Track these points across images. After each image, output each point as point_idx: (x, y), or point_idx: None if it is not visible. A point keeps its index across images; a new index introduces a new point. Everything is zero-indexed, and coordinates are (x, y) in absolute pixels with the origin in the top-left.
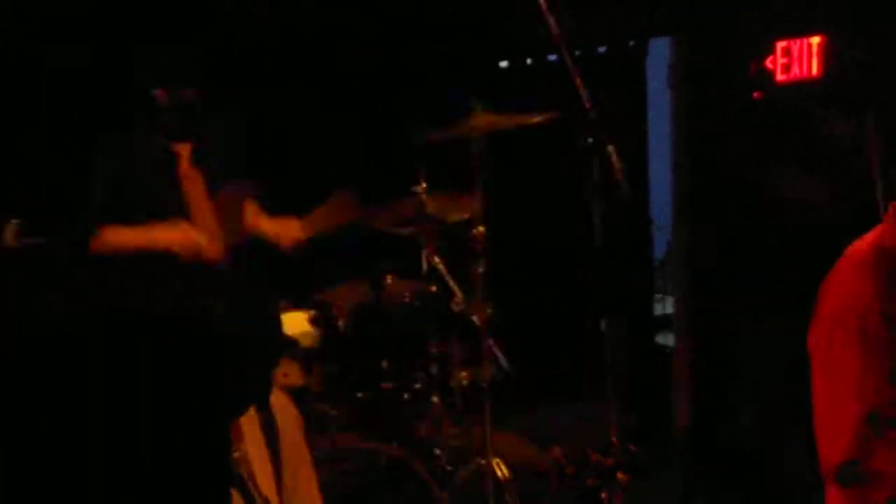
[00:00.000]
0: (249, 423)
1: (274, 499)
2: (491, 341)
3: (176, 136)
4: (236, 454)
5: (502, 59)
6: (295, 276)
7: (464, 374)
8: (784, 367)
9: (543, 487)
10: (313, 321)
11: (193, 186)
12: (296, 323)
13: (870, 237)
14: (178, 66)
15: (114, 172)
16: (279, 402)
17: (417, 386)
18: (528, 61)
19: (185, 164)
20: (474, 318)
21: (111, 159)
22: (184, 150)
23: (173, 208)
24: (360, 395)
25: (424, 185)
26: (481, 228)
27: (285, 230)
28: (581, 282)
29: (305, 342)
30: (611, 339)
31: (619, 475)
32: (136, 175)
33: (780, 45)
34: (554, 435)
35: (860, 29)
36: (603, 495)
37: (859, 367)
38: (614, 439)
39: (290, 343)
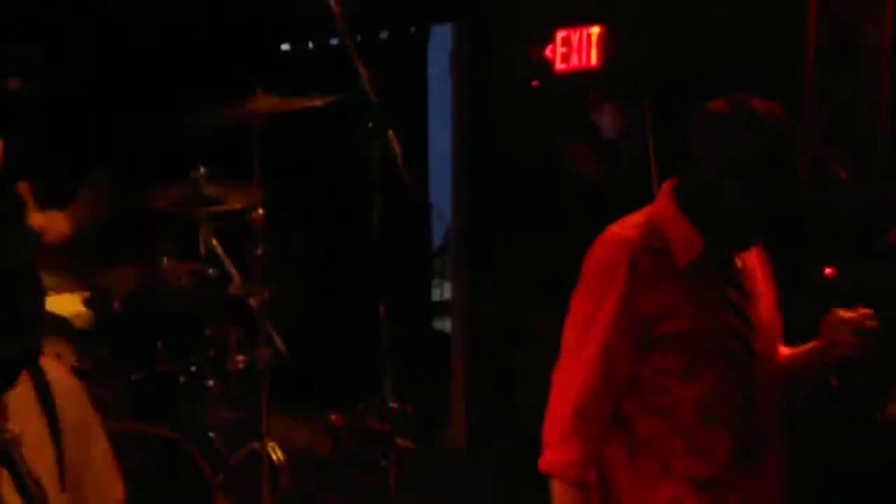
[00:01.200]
0: (22, 399)
1: (53, 479)
2: (268, 325)
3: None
4: (6, 435)
5: (284, 42)
6: (69, 259)
7: (240, 357)
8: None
9: (321, 468)
10: (87, 302)
11: None
12: (70, 304)
13: (640, 214)
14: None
15: None
16: (56, 374)
17: (193, 369)
18: (310, 45)
19: None
20: (252, 301)
21: None
22: None
23: None
24: (133, 377)
25: (203, 168)
26: (260, 212)
27: (51, 224)
28: (360, 267)
29: (79, 323)
30: (388, 325)
31: (399, 440)
32: None
33: (560, 34)
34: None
35: (638, 20)
36: (382, 462)
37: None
38: (392, 404)
39: (64, 324)
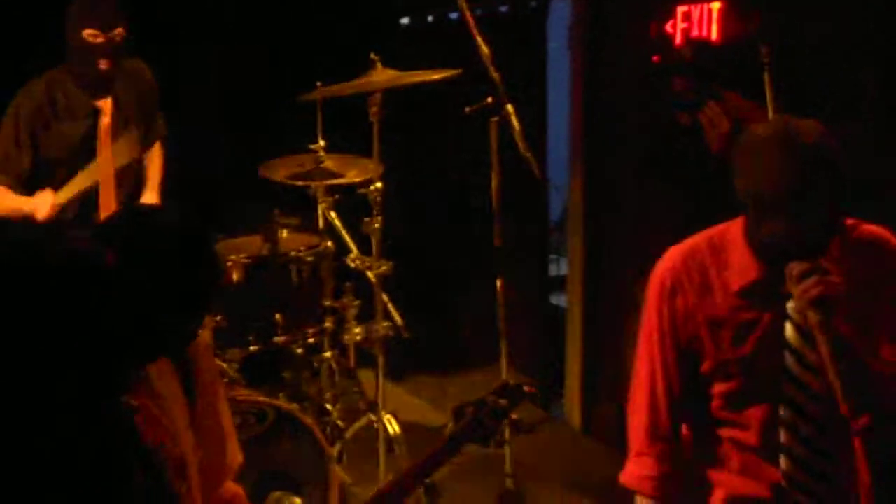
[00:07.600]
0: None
1: (187, 429)
2: (385, 298)
3: (100, 91)
4: (127, 406)
5: (403, 16)
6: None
7: (357, 329)
8: None
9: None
10: None
11: (107, 144)
12: None
13: (710, 231)
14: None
15: (33, 119)
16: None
17: (311, 340)
18: (430, 18)
19: (105, 120)
20: (369, 274)
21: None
22: (105, 105)
23: (85, 160)
24: (251, 348)
25: (322, 141)
26: (378, 185)
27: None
28: (477, 240)
29: None
30: (505, 300)
31: (516, 416)
32: (55, 125)
33: (681, 9)
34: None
35: None
36: (497, 435)
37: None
38: (509, 381)
39: None
